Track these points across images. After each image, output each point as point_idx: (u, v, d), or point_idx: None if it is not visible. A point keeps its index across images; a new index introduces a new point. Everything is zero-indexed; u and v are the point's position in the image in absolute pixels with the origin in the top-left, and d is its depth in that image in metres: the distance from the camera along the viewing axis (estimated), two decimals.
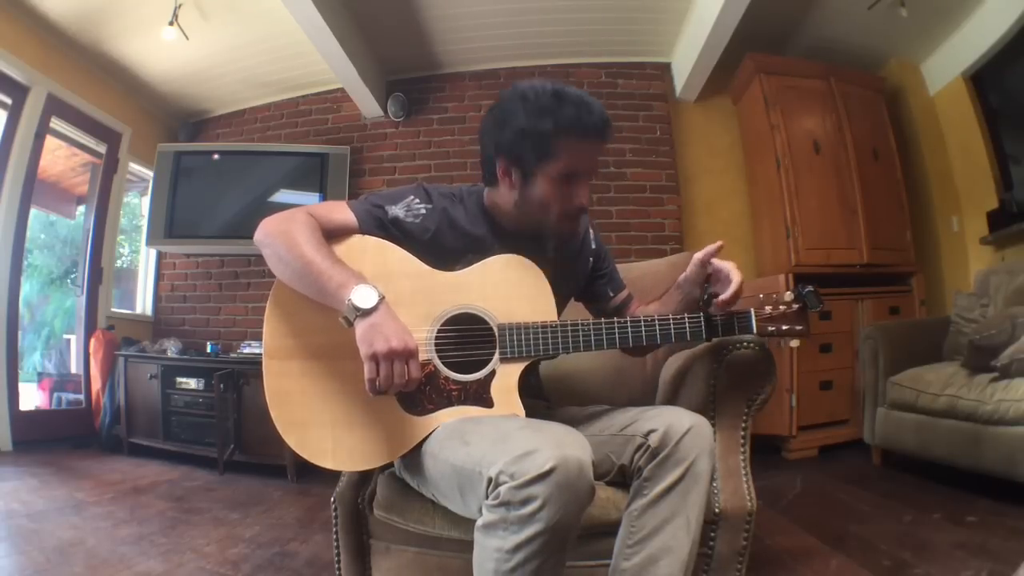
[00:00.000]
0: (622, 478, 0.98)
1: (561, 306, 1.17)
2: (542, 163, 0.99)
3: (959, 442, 2.05)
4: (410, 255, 1.04)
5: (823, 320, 2.87)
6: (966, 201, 3.24)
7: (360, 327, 0.88)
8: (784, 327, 1.02)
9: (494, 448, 0.80)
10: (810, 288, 1.03)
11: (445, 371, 0.99)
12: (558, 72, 3.54)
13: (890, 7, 2.95)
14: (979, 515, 1.77)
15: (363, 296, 0.88)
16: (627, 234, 3.40)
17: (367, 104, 3.59)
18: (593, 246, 1.23)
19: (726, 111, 3.60)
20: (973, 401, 2.01)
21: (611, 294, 1.23)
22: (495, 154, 1.04)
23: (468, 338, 1.01)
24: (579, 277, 1.22)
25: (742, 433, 1.08)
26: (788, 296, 1.03)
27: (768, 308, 1.03)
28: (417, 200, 1.08)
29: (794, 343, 1.04)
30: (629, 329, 1.01)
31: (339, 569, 1.17)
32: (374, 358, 0.86)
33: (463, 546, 0.80)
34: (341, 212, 1.04)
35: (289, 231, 0.97)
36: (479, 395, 0.99)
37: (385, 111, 3.64)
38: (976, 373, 2.09)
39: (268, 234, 0.99)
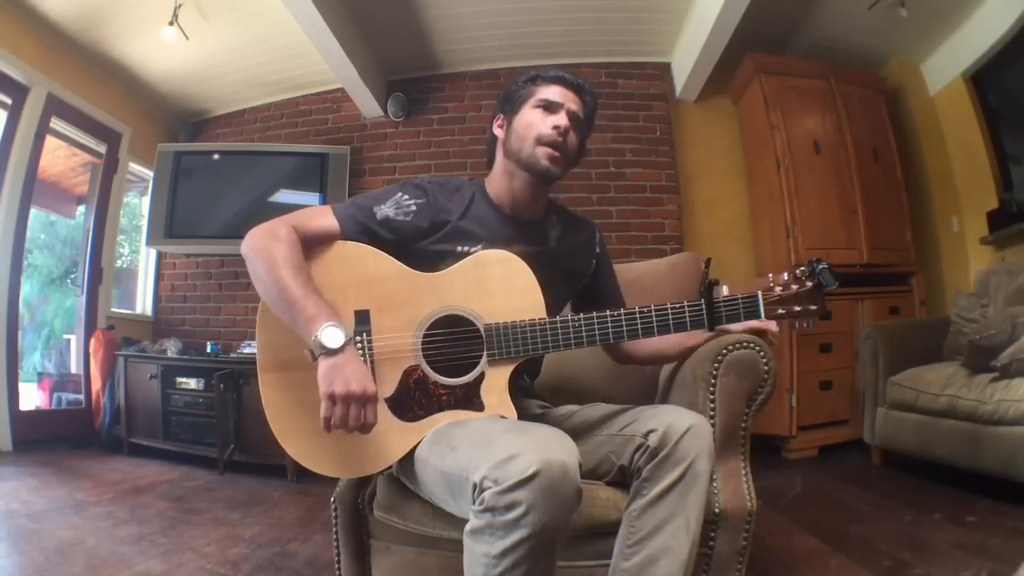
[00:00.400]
0: (622, 478, 0.97)
1: (561, 305, 1.17)
2: (526, 98, 1.12)
3: (959, 442, 2.05)
4: (391, 258, 1.03)
5: (823, 320, 2.86)
6: (966, 201, 3.24)
7: (323, 365, 0.88)
8: (796, 308, 0.98)
9: (478, 453, 0.80)
10: (824, 265, 0.97)
11: (434, 376, 0.99)
12: None
13: (890, 7, 2.95)
14: (979, 515, 1.77)
15: (330, 336, 0.88)
16: (627, 234, 3.40)
17: (367, 104, 3.58)
18: (597, 250, 1.23)
19: (726, 111, 3.59)
20: (973, 401, 2.01)
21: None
22: (494, 117, 1.16)
23: (455, 340, 1.00)
24: (579, 275, 1.21)
25: (742, 433, 1.08)
26: (800, 274, 0.98)
27: (778, 289, 0.99)
28: (407, 196, 1.08)
29: (808, 325, 0.98)
30: (624, 321, 0.99)
31: (339, 569, 1.16)
32: (331, 398, 0.86)
33: (463, 546, 0.80)
34: (322, 219, 1.04)
35: (269, 250, 0.96)
36: (469, 398, 0.99)
37: (385, 111, 3.64)
38: (976, 373, 2.09)
39: (252, 249, 0.98)
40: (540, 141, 1.07)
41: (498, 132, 1.15)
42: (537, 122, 1.08)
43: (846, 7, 3.08)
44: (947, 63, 3.29)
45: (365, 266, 1.02)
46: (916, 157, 3.49)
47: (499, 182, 1.14)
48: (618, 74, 3.55)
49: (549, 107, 1.09)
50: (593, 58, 3.52)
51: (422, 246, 1.06)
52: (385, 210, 1.06)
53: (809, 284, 0.98)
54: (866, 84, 3.40)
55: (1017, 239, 2.89)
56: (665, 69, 3.59)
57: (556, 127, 1.07)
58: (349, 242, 1.03)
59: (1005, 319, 2.08)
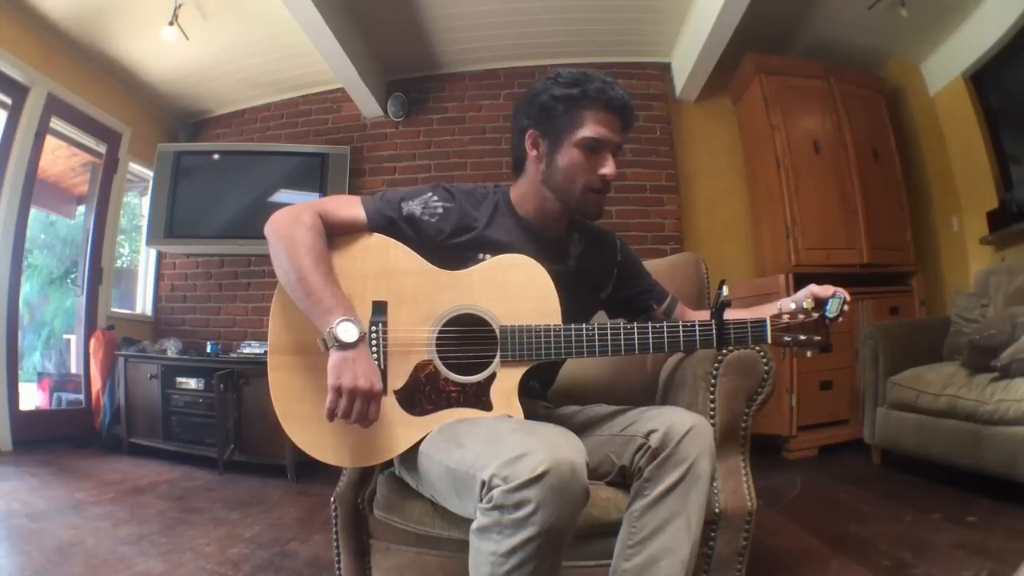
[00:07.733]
0: (622, 478, 0.98)
1: (581, 317, 1.15)
2: (569, 129, 1.02)
3: (959, 442, 2.04)
4: (414, 253, 1.04)
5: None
6: (966, 201, 3.24)
7: (334, 357, 0.90)
8: (801, 337, 1.00)
9: (487, 451, 0.80)
10: (841, 297, 1.00)
11: (445, 372, 0.99)
12: None
13: (890, 7, 2.95)
14: (979, 515, 1.77)
15: (345, 330, 0.90)
16: (627, 234, 3.39)
17: (367, 104, 3.59)
18: (619, 257, 1.21)
19: (726, 111, 3.60)
20: (973, 401, 2.01)
21: (655, 306, 1.20)
22: (525, 128, 1.07)
23: (470, 339, 1.00)
24: (598, 289, 1.20)
25: (742, 433, 1.08)
26: (807, 304, 1.00)
27: (785, 317, 1.01)
28: (436, 198, 1.07)
29: (810, 354, 1.01)
30: (636, 335, 0.99)
31: (339, 569, 1.16)
32: (338, 390, 0.88)
33: (463, 546, 0.80)
34: (350, 208, 1.05)
35: (292, 235, 0.97)
36: (478, 397, 0.99)
37: (385, 111, 3.64)
38: (976, 373, 2.09)
39: (275, 232, 0.99)
40: (589, 188, 1.04)
41: (532, 153, 1.07)
42: (584, 167, 1.03)
43: (846, 7, 3.08)
44: (947, 63, 3.28)
45: (387, 259, 1.03)
46: (916, 157, 3.49)
47: (528, 199, 1.10)
48: (618, 74, 3.54)
49: (595, 148, 1.03)
50: (593, 58, 3.51)
51: (445, 247, 1.05)
52: (412, 207, 1.06)
53: (815, 315, 1.00)
54: (866, 84, 3.40)
55: (1017, 239, 2.89)
56: (665, 69, 3.59)
57: (606, 179, 1.04)
58: (375, 234, 1.04)
59: (1005, 319, 2.08)
